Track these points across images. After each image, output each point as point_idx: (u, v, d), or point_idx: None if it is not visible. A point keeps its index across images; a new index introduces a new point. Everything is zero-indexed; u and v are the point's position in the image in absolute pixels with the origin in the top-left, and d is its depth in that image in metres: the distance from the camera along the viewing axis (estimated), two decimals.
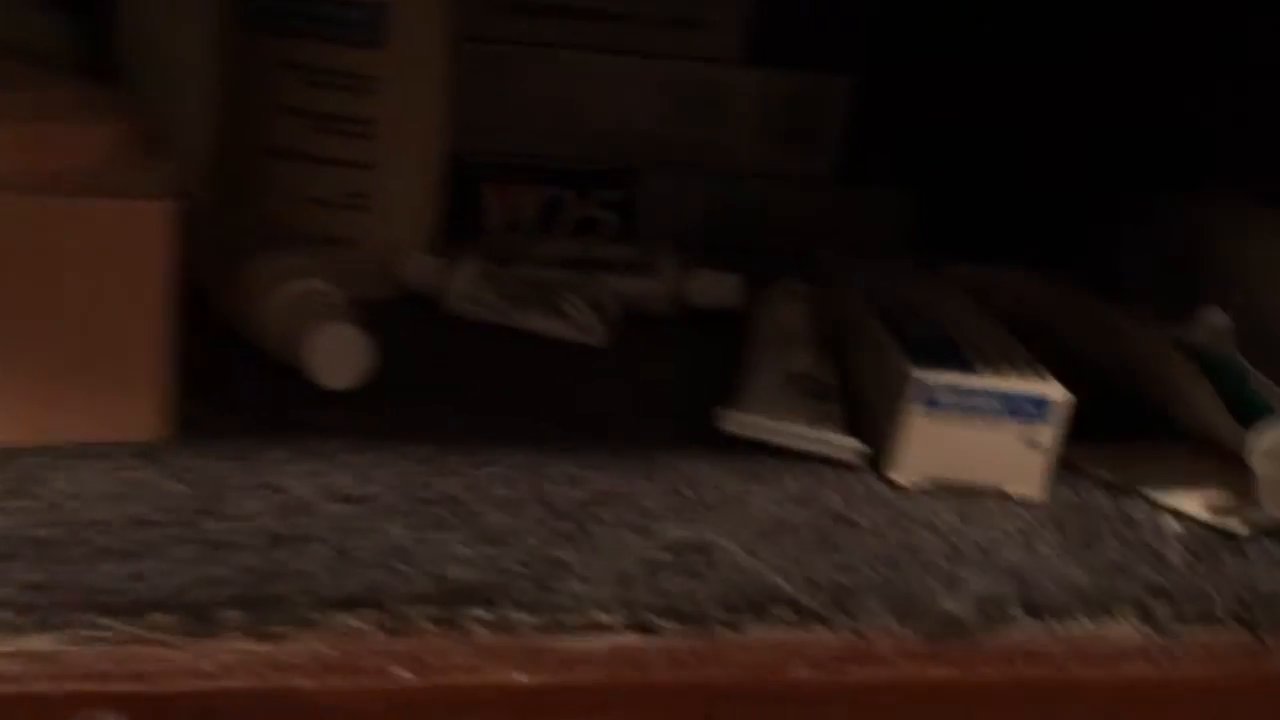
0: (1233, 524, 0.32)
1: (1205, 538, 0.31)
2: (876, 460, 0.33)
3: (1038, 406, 0.32)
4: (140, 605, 0.23)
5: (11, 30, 0.37)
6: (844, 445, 0.32)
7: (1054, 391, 0.32)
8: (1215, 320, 0.37)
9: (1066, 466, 0.33)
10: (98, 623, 0.23)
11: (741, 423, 0.32)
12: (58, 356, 0.29)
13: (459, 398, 0.36)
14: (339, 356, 0.33)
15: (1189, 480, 0.33)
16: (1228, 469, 0.32)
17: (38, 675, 0.22)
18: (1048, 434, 0.32)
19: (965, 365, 0.33)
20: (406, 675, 0.23)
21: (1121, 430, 0.35)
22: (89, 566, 0.24)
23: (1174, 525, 0.32)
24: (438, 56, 0.43)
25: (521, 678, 0.23)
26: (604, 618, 0.25)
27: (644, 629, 0.25)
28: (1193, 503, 0.32)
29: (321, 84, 0.43)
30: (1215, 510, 0.32)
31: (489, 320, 0.42)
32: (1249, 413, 0.33)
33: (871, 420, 0.34)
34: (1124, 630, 0.27)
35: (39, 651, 0.22)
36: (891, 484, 0.32)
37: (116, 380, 0.30)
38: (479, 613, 0.24)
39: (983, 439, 0.32)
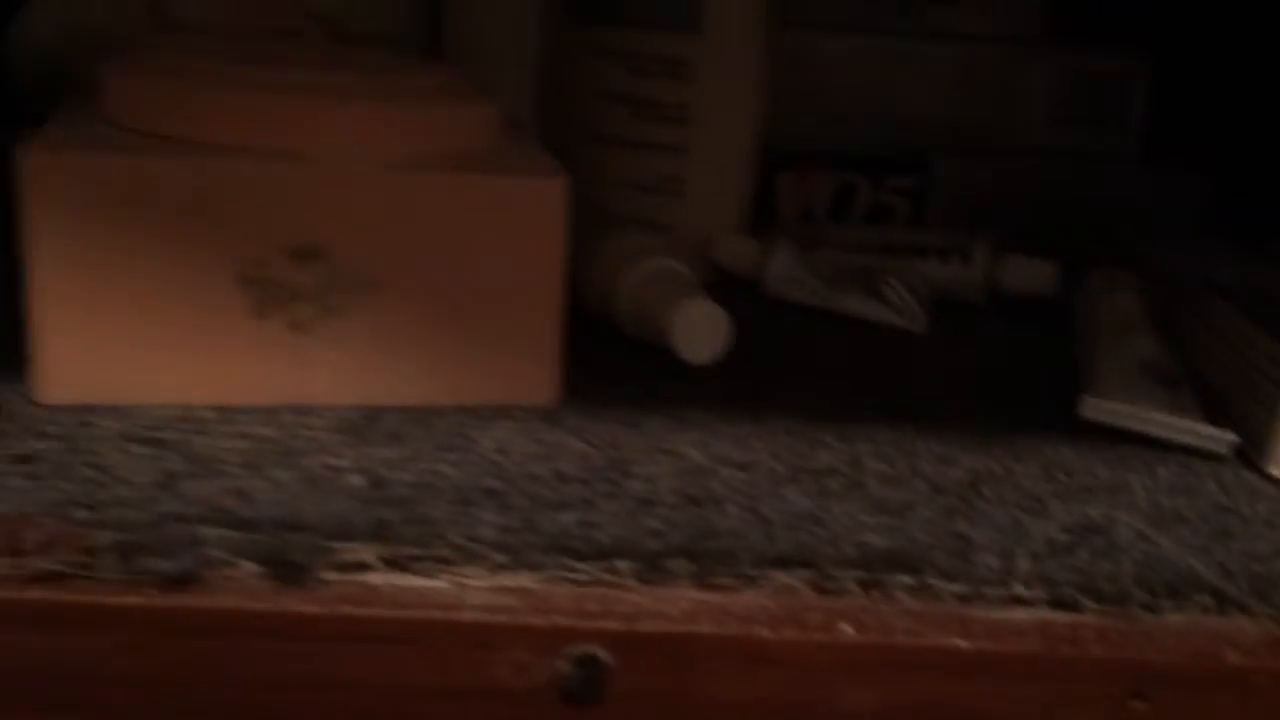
0: None
1: None
2: (1242, 452, 0.33)
3: None
4: (602, 551, 0.25)
5: (375, 21, 0.40)
6: (1217, 437, 0.32)
7: None
8: None
9: None
10: (569, 565, 0.25)
11: (1106, 410, 0.33)
12: (467, 323, 0.32)
13: (801, 375, 0.37)
14: (701, 332, 0.35)
15: None
16: None
17: (528, 609, 0.24)
18: None
19: None
20: (850, 631, 0.24)
21: None
22: (544, 515, 0.27)
23: None
24: (752, 43, 0.45)
25: (961, 643, 0.24)
26: (1025, 592, 0.26)
27: (1066, 605, 0.25)
28: None
29: (640, 70, 0.45)
30: None
31: (806, 302, 0.43)
32: None
33: (1224, 410, 0.34)
34: None
35: (525, 588, 0.25)
36: (1266, 476, 0.32)
37: (518, 346, 0.32)
38: (905, 579, 0.26)
39: None
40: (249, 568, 0.24)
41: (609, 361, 0.36)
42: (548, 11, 0.47)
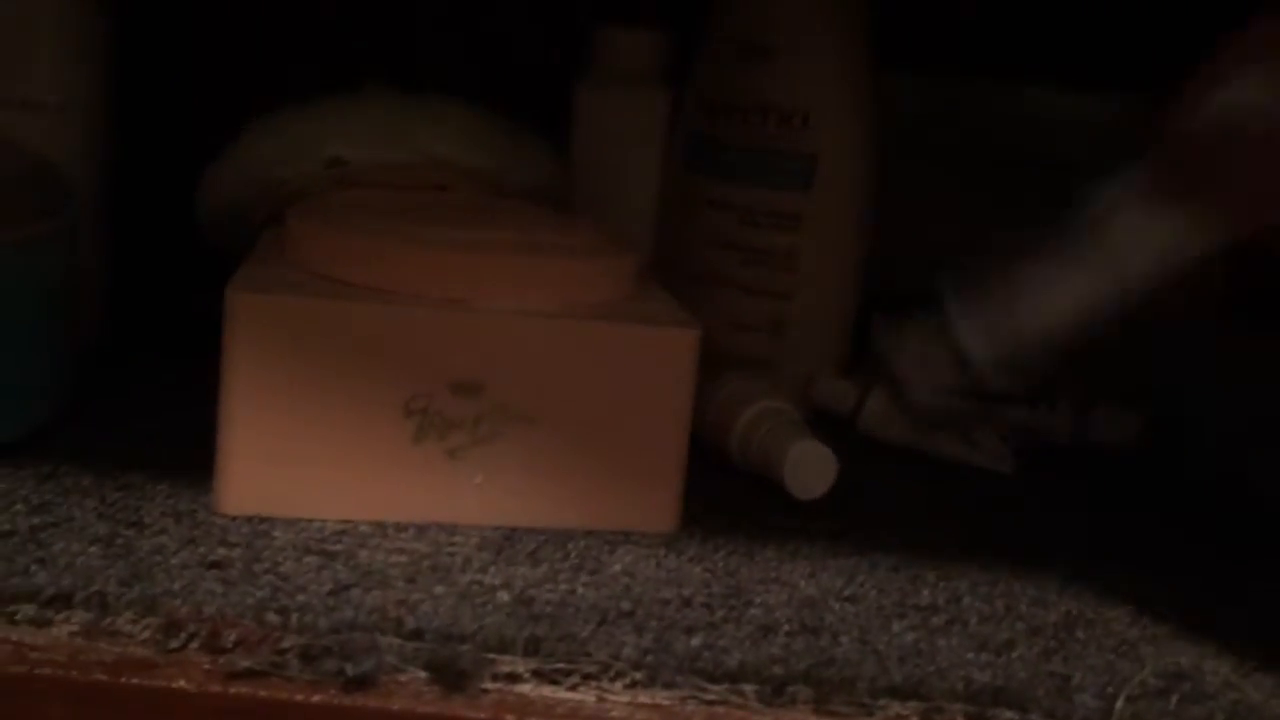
0: None
1: None
2: None
3: None
4: (730, 674, 0.28)
5: (528, 176, 0.44)
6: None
7: None
8: None
9: None
10: (701, 685, 0.27)
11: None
12: (601, 455, 0.35)
13: (900, 513, 0.40)
14: (811, 471, 0.38)
15: None
16: None
17: None
18: None
19: None
20: None
21: None
22: (676, 637, 0.29)
23: None
24: (858, 200, 0.48)
25: None
26: None
27: None
28: None
29: (750, 222, 0.49)
30: None
31: (897, 443, 0.46)
32: None
33: None
34: None
35: (660, 705, 0.27)
36: None
37: (645, 478, 0.35)
38: (1009, 714, 0.28)
39: None
40: (418, 674, 0.27)
41: (723, 493, 0.39)
42: (667, 166, 0.51)
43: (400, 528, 0.34)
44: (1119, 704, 0.28)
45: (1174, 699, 0.29)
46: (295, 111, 0.40)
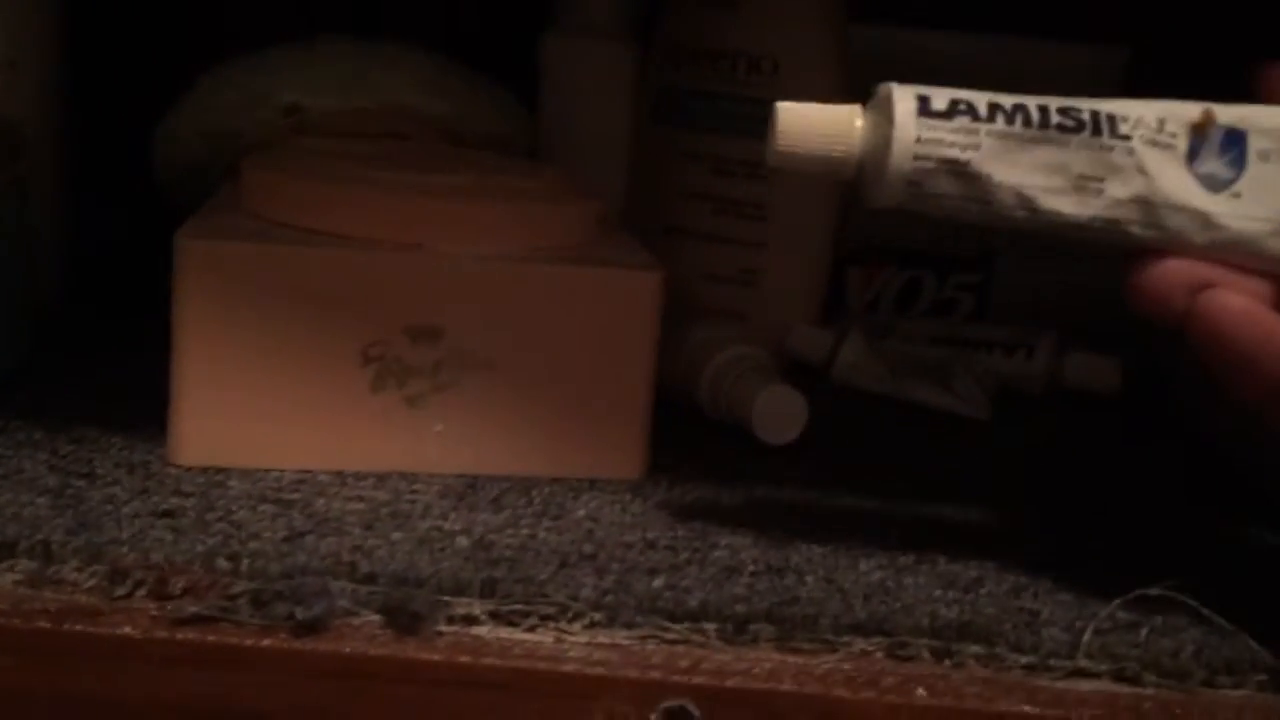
0: None
1: None
2: None
3: None
4: (691, 613, 0.27)
5: (484, 125, 0.44)
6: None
7: None
8: None
9: None
10: (662, 625, 0.27)
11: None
12: (564, 402, 0.34)
13: (871, 458, 0.39)
14: (780, 416, 0.37)
15: None
16: None
17: (625, 663, 0.26)
18: None
19: None
20: (923, 694, 0.26)
21: None
22: (637, 579, 0.29)
23: None
24: None
25: (1029, 709, 0.26)
26: (1089, 664, 0.27)
27: (1128, 679, 0.27)
28: None
29: (722, 171, 0.48)
30: None
31: (873, 390, 0.45)
32: None
33: None
34: None
35: (620, 645, 0.27)
36: None
37: (609, 424, 0.35)
38: (975, 649, 0.27)
39: None
40: (371, 617, 0.26)
41: (691, 441, 0.38)
42: (637, 117, 0.50)
43: (360, 477, 0.33)
44: (1086, 636, 0.28)
45: (1143, 631, 0.29)
46: (249, 61, 0.39)
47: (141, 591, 0.26)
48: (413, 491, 0.33)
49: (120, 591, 0.26)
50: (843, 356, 0.45)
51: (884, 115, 0.28)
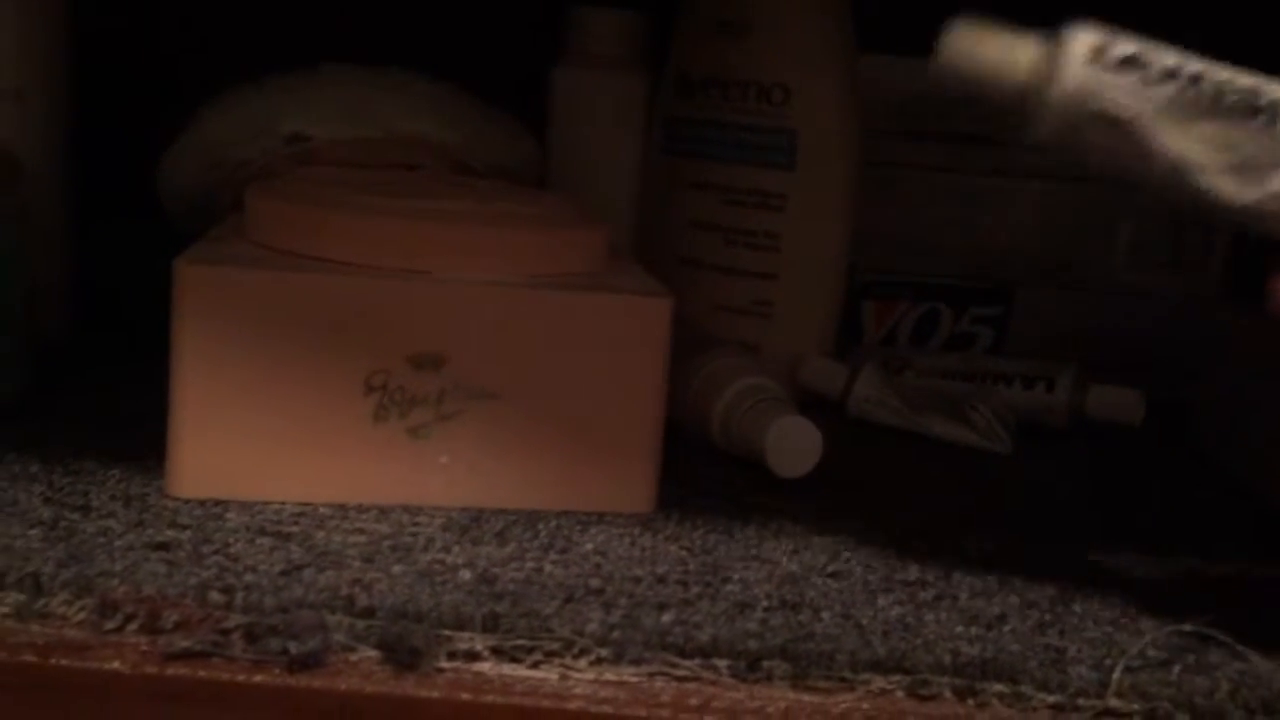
0: None
1: None
2: None
3: None
4: (702, 649, 0.26)
5: (494, 156, 0.43)
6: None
7: None
8: None
9: None
10: (671, 661, 0.26)
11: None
12: (572, 433, 0.33)
13: (889, 491, 0.38)
14: (794, 448, 0.36)
15: None
16: None
17: (632, 701, 0.25)
18: None
19: None
20: None
21: None
22: (646, 613, 0.28)
23: None
24: (842, 178, 0.47)
25: None
26: (1119, 704, 0.26)
27: (1159, 718, 0.26)
28: None
29: (734, 202, 0.48)
30: None
31: (888, 424, 0.44)
32: None
33: None
34: None
35: (627, 682, 0.25)
36: None
37: (618, 456, 0.34)
38: (999, 687, 0.26)
39: None
40: (368, 653, 0.25)
41: (702, 474, 0.37)
42: (649, 147, 0.50)
43: (362, 509, 0.32)
44: (1116, 674, 0.26)
45: (1176, 669, 0.27)
46: (251, 89, 0.39)
47: (132, 625, 0.25)
48: (415, 524, 0.32)
49: (110, 625, 0.25)
50: (858, 390, 0.44)
51: (1055, 55, 0.28)
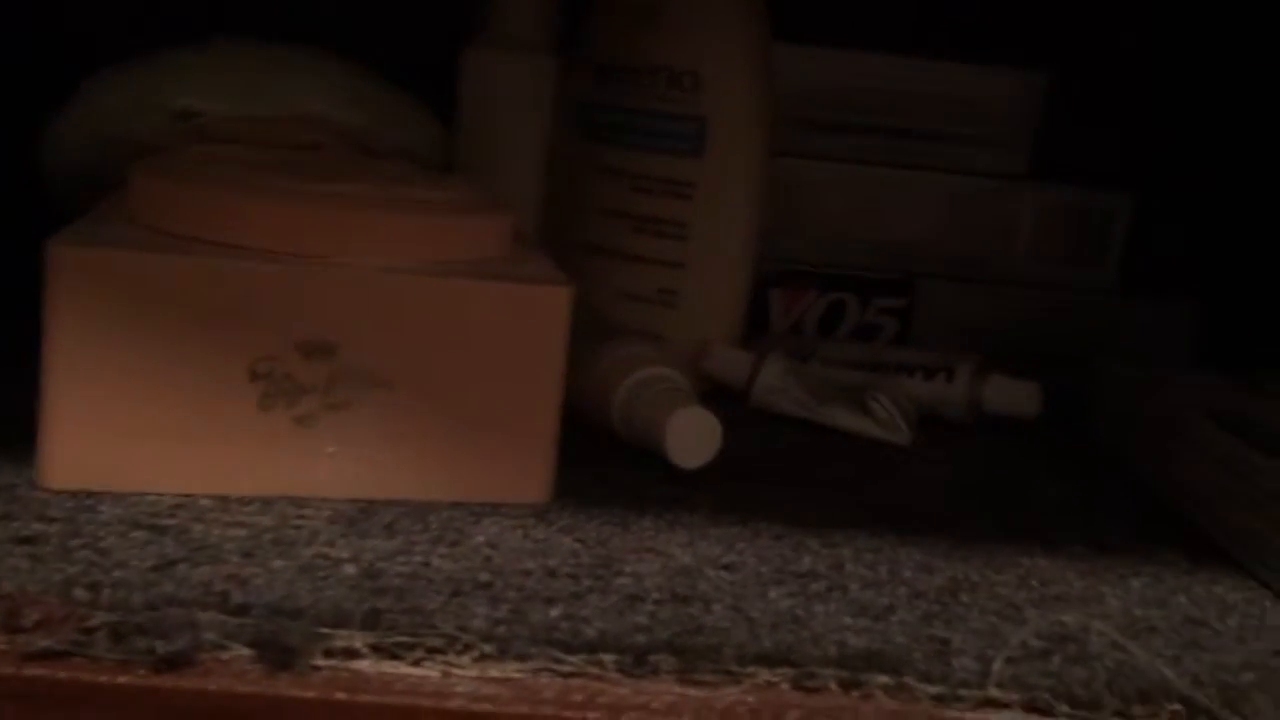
0: None
1: None
2: (1198, 564, 0.34)
3: None
4: (589, 644, 0.26)
5: (395, 137, 0.42)
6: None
7: None
8: None
9: None
10: (556, 656, 0.26)
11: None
12: (466, 423, 0.33)
13: (787, 482, 0.38)
14: (693, 438, 0.36)
15: None
16: None
17: (515, 698, 0.24)
18: None
19: None
20: None
21: None
22: (533, 608, 0.27)
23: None
24: (751, 167, 0.47)
25: None
26: (999, 694, 0.26)
27: (1040, 710, 0.26)
28: None
29: (642, 189, 0.47)
30: None
31: (792, 414, 0.44)
32: None
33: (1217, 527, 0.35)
34: None
35: (511, 679, 0.25)
36: (1237, 589, 0.33)
37: (514, 446, 0.33)
38: (883, 679, 0.26)
39: None
40: (241, 651, 0.25)
41: (600, 465, 0.37)
42: (553, 130, 0.49)
43: (245, 501, 0.31)
44: (997, 665, 0.27)
45: (1056, 660, 0.28)
46: (139, 63, 0.37)
47: None
48: (300, 517, 0.31)
49: None
50: (761, 379, 0.44)
51: None
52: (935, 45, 0.55)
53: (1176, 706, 0.26)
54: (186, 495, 0.31)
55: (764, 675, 0.26)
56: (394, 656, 0.25)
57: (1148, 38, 0.58)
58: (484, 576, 0.29)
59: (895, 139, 0.54)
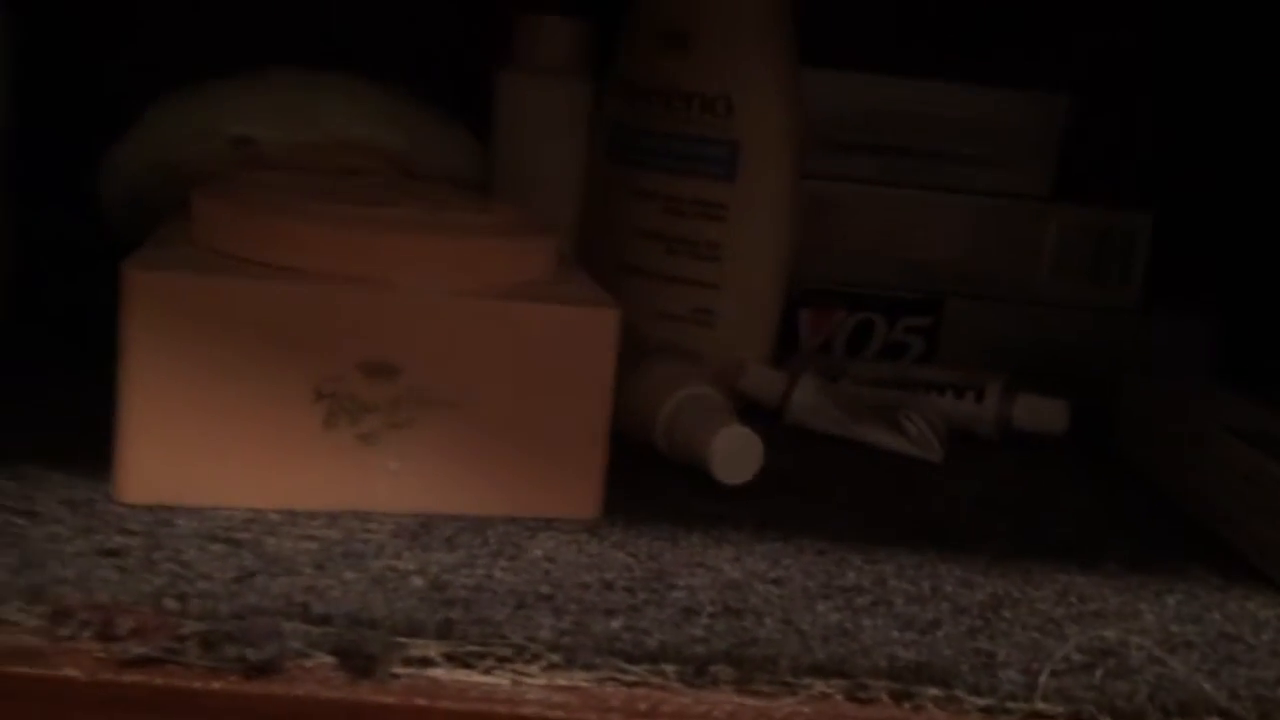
0: None
1: None
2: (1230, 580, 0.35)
3: None
4: (651, 655, 0.27)
5: (438, 161, 0.43)
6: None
7: None
8: None
9: None
10: (621, 667, 0.27)
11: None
12: (521, 440, 0.34)
13: (826, 499, 0.39)
14: (737, 456, 0.37)
15: None
16: None
17: (584, 705, 0.26)
18: None
19: None
20: None
21: None
22: (595, 620, 0.28)
23: None
24: (783, 189, 0.48)
25: None
26: (1045, 707, 0.27)
27: None
28: None
29: (676, 211, 0.49)
30: None
31: (826, 431, 0.45)
32: None
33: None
34: None
35: (579, 687, 0.26)
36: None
37: (566, 463, 0.34)
38: (933, 691, 0.27)
39: None
40: (324, 659, 0.26)
41: (647, 481, 0.38)
42: (591, 155, 0.50)
43: (311, 516, 0.33)
44: (1043, 678, 0.28)
45: (1098, 674, 0.29)
46: (197, 91, 0.39)
47: (87, 633, 0.25)
48: (366, 531, 0.32)
49: (65, 632, 0.25)
50: (796, 398, 0.46)
51: None
52: (960, 69, 0.57)
53: (1215, 719, 0.27)
54: (256, 510, 0.32)
55: (818, 686, 0.27)
56: (466, 665, 0.26)
57: (1167, 59, 0.60)
58: (545, 589, 0.30)
59: (921, 161, 0.55)
